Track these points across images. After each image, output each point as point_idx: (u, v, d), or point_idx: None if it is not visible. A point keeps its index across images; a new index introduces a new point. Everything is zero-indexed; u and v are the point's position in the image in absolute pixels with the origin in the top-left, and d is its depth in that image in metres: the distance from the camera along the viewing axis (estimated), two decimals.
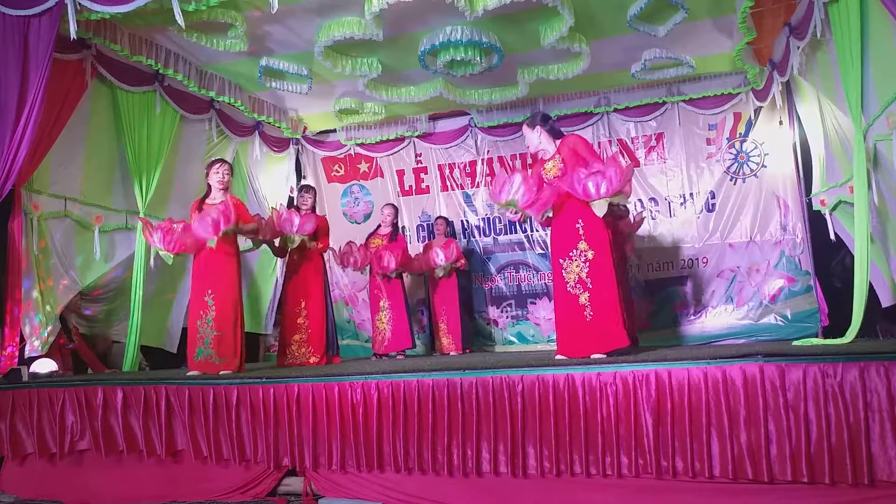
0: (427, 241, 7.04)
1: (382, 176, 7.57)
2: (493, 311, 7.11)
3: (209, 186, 4.69)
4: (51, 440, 4.10)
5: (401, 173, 7.51)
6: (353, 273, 7.10)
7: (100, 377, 4.69)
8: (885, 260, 4.43)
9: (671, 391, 3.08)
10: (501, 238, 7.17)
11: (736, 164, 6.48)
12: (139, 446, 3.94)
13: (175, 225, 4.46)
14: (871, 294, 4.18)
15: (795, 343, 4.02)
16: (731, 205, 6.46)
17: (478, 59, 5.17)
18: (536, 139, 4.24)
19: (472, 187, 7.28)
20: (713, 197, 6.54)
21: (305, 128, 7.37)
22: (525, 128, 4.31)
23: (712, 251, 6.49)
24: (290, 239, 5.21)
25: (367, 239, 6.57)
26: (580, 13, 4.72)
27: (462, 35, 4.92)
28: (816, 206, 5.61)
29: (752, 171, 6.43)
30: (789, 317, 6.17)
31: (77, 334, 5.32)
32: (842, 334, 3.83)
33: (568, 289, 3.97)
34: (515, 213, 4.00)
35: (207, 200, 4.65)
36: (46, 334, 4.79)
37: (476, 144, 7.21)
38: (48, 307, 4.84)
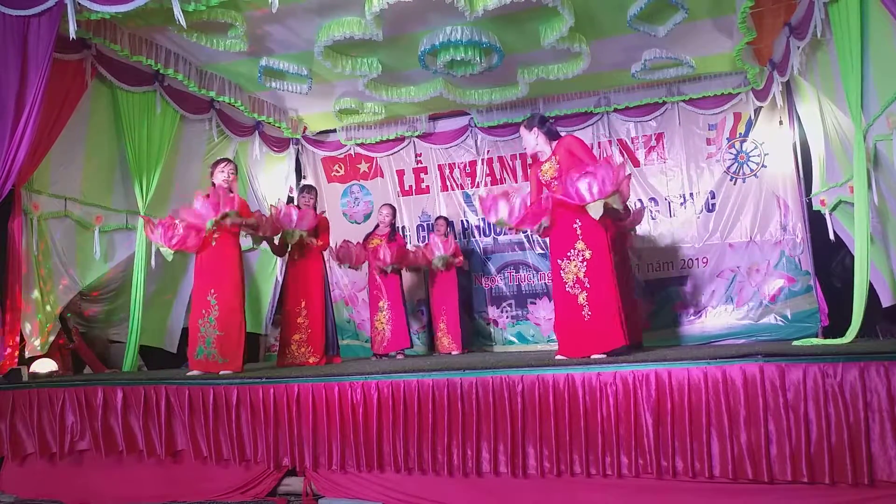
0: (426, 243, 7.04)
1: (382, 176, 7.57)
2: (492, 311, 7.11)
3: (213, 186, 4.68)
4: (51, 440, 4.10)
5: (401, 173, 7.51)
6: (353, 273, 7.11)
7: (100, 377, 4.69)
8: (886, 260, 4.43)
9: (671, 391, 3.09)
10: (501, 238, 7.17)
11: (736, 164, 6.48)
12: (139, 446, 3.94)
13: (177, 221, 4.46)
14: (871, 294, 4.18)
15: (795, 343, 4.02)
16: (731, 205, 6.46)
17: (478, 59, 5.17)
18: (534, 141, 4.26)
19: (472, 187, 7.28)
20: (713, 197, 6.53)
21: (305, 128, 7.37)
22: (522, 129, 4.32)
23: (712, 251, 6.49)
24: (290, 234, 5.20)
25: (365, 239, 6.58)
26: (580, 13, 4.72)
27: (462, 35, 4.92)
28: (816, 206, 5.61)
29: (752, 171, 6.43)
30: (789, 317, 6.17)
31: (77, 334, 5.32)
32: (842, 334, 3.83)
33: (566, 289, 3.98)
34: (510, 228, 4.16)
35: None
36: (46, 334, 4.79)
37: (476, 144, 7.21)
38: (48, 307, 4.84)
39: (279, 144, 7.27)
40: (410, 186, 7.50)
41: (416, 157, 7.44)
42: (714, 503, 3.00)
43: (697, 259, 6.53)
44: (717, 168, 6.54)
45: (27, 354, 4.67)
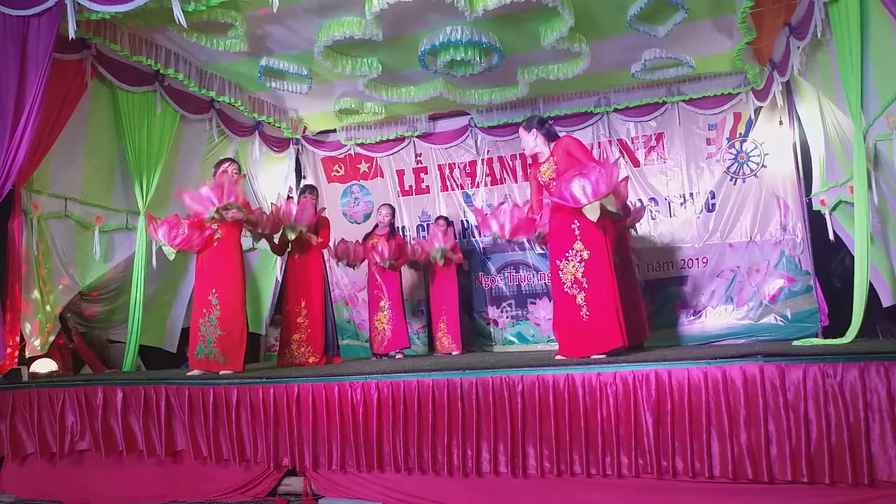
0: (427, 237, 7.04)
1: (382, 176, 7.57)
2: (492, 311, 7.11)
3: None
4: (51, 440, 4.10)
5: (401, 173, 7.51)
6: (353, 273, 7.11)
7: (100, 377, 4.69)
8: (886, 260, 4.43)
9: (671, 391, 3.09)
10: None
11: (736, 164, 6.48)
12: (139, 446, 3.95)
13: (182, 220, 4.46)
14: (871, 294, 4.18)
15: (795, 343, 4.02)
16: (731, 205, 6.46)
17: (478, 59, 5.17)
18: (532, 142, 4.27)
19: (472, 187, 7.28)
20: (713, 197, 6.53)
21: (305, 128, 7.37)
22: (521, 131, 4.34)
23: (712, 251, 6.48)
24: (291, 228, 5.19)
25: (364, 239, 6.58)
26: (580, 13, 4.72)
27: (462, 35, 4.92)
28: (816, 206, 5.61)
29: (752, 171, 6.43)
30: (789, 317, 6.17)
31: (77, 334, 5.33)
32: (842, 334, 3.83)
33: (565, 289, 3.99)
34: (507, 241, 4.32)
35: None
36: (46, 334, 4.79)
37: (476, 144, 7.21)
38: (48, 307, 4.84)
39: (279, 144, 7.27)
40: (410, 186, 7.50)
41: (416, 157, 7.44)
42: (714, 503, 3.00)
43: (697, 259, 6.52)
44: (717, 168, 6.53)
45: (27, 354, 4.67)
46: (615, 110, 6.73)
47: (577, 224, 3.96)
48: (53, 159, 4.86)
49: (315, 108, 6.72)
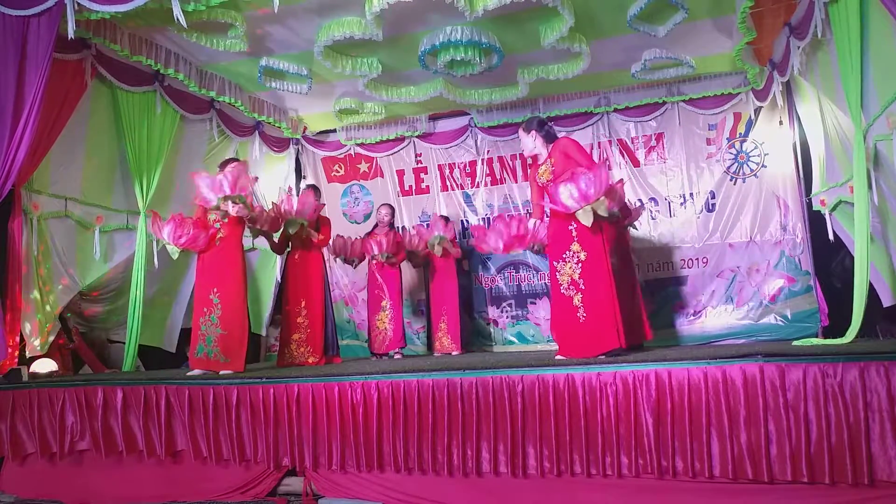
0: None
1: (382, 176, 7.57)
2: (492, 311, 7.10)
3: None
4: (51, 440, 4.10)
5: (401, 173, 7.51)
6: (353, 273, 7.11)
7: (100, 377, 4.69)
8: (886, 260, 4.43)
9: (671, 391, 3.09)
10: None
11: (736, 164, 6.48)
12: (139, 446, 3.95)
13: (187, 219, 4.46)
14: (871, 294, 4.18)
15: (795, 343, 4.02)
16: (731, 205, 6.46)
17: (478, 59, 5.17)
18: (532, 144, 4.28)
19: (472, 187, 7.27)
20: (713, 197, 6.53)
21: (305, 128, 7.37)
22: (521, 132, 4.36)
23: (712, 251, 6.48)
24: (292, 223, 5.18)
25: (363, 239, 6.58)
26: (580, 13, 4.72)
27: (462, 35, 4.92)
28: (816, 206, 5.61)
29: (752, 171, 6.43)
30: (789, 317, 6.17)
31: (77, 334, 5.33)
32: (842, 334, 3.83)
33: (562, 290, 4.00)
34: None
35: None
36: (46, 334, 4.79)
37: (476, 144, 7.21)
38: (48, 307, 4.84)
39: (279, 144, 7.27)
40: (410, 186, 7.50)
41: (416, 157, 7.44)
42: (714, 503, 3.00)
43: (697, 259, 6.52)
44: (717, 168, 6.53)
45: (27, 354, 4.67)
46: (615, 110, 6.73)
47: (575, 225, 3.96)
48: (53, 159, 4.86)
49: (315, 108, 6.73)
